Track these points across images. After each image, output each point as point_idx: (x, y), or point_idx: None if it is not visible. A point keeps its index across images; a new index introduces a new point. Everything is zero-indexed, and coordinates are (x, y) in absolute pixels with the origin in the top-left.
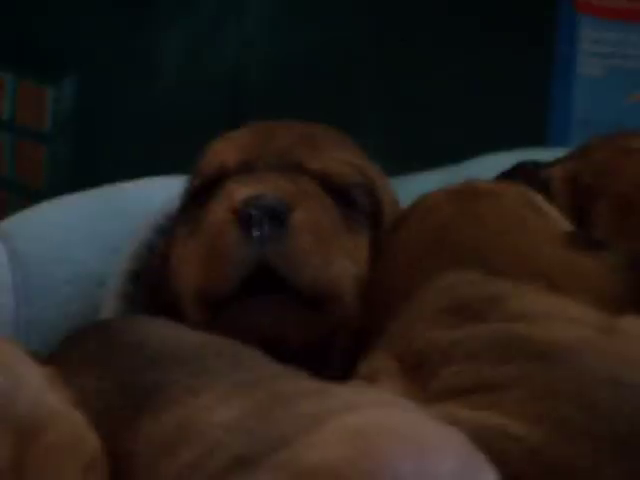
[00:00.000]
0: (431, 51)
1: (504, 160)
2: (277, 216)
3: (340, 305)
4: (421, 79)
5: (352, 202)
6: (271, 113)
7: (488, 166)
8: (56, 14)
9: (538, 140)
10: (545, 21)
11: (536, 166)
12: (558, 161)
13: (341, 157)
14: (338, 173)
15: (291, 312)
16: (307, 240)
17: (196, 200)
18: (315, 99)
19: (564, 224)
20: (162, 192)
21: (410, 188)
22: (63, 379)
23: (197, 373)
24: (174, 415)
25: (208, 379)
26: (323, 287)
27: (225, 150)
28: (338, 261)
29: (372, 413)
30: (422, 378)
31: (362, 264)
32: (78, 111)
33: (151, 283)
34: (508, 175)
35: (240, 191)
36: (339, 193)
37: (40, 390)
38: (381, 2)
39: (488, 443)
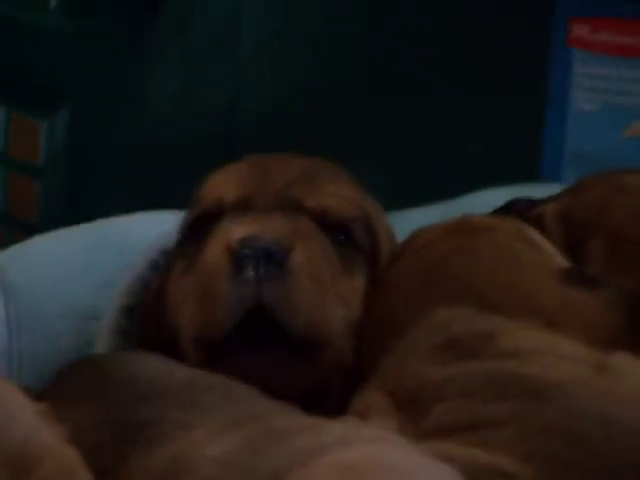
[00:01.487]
0: (427, 86)
1: (498, 196)
2: (273, 258)
3: (331, 350)
4: (417, 114)
5: (350, 239)
6: (266, 143)
7: (482, 202)
8: (48, 47)
9: (532, 174)
10: (538, 56)
11: (529, 203)
12: (551, 198)
13: (338, 192)
14: (336, 209)
15: (285, 362)
16: (302, 283)
17: (193, 234)
18: (310, 129)
19: (559, 259)
20: (156, 227)
21: (404, 224)
22: (56, 414)
23: (189, 408)
24: (167, 450)
25: (200, 414)
26: (314, 332)
27: (223, 184)
28: (330, 305)
29: (364, 449)
30: (415, 415)
31: (356, 306)
32: (71, 144)
33: (145, 319)
34: (502, 212)
35: (236, 231)
36: (337, 230)
37: (33, 426)
38: (376, 33)
39: None
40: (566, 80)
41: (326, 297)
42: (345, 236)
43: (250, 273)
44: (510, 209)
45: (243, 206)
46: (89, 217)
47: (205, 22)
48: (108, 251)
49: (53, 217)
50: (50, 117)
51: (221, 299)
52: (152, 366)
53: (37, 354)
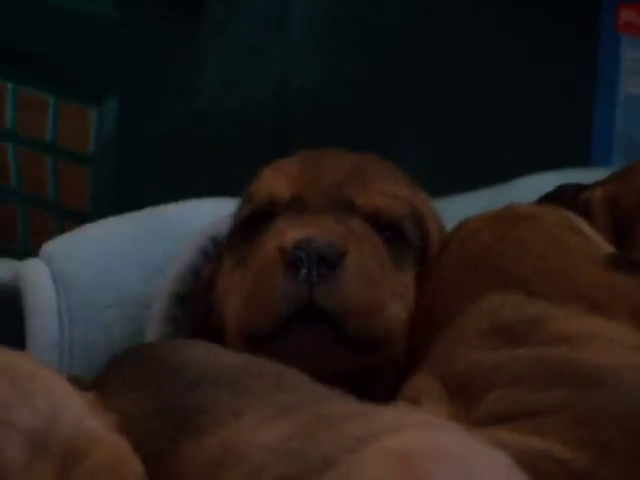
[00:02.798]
0: (476, 72)
1: (547, 180)
2: (326, 260)
3: (391, 349)
4: (466, 101)
5: (402, 236)
6: (315, 129)
7: (531, 187)
8: (97, 35)
9: (582, 159)
10: (587, 41)
11: (577, 189)
12: (599, 183)
13: (390, 190)
14: (387, 208)
15: (337, 348)
16: (357, 286)
17: (245, 230)
18: (358, 114)
19: (605, 246)
20: (206, 214)
21: (454, 210)
22: (105, 403)
23: (240, 395)
24: (218, 437)
25: (251, 400)
26: (375, 334)
27: (276, 181)
28: (389, 307)
29: (416, 435)
30: (466, 401)
31: (409, 302)
32: (120, 132)
33: (196, 307)
34: (550, 197)
35: (291, 232)
36: (388, 228)
37: (81, 415)
38: (424, 17)
39: (534, 466)
40: (615, 65)
41: (380, 298)
42: (396, 234)
43: (304, 274)
44: (558, 195)
45: (296, 205)
46: (139, 205)
47: (253, 8)
48: (159, 239)
49: (103, 206)
50: (99, 105)
51: (273, 298)
52: (202, 353)
53: (89, 344)
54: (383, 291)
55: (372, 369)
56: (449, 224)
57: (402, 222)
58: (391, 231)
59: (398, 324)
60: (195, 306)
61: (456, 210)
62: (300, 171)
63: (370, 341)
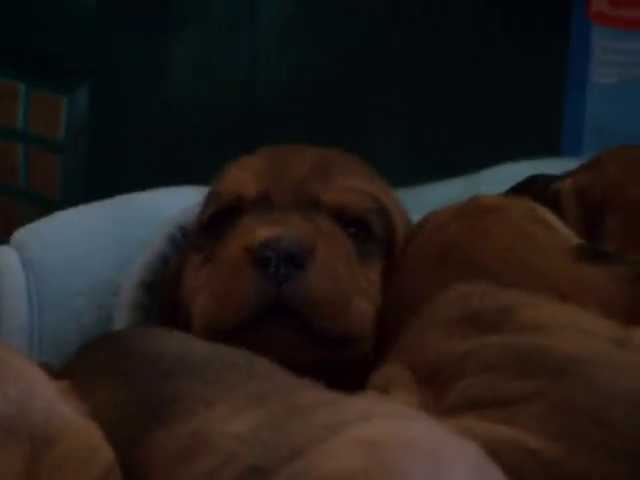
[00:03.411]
0: (448, 61)
1: (519, 170)
2: (294, 259)
3: (359, 345)
4: (436, 88)
5: (367, 231)
6: (284, 116)
7: (503, 176)
8: (68, 22)
9: (552, 148)
10: (558, 31)
11: (548, 179)
12: (569, 174)
13: (354, 185)
14: (352, 203)
15: (305, 344)
16: (324, 284)
17: (211, 227)
18: (328, 102)
19: (572, 237)
20: (176, 202)
21: (426, 199)
22: (77, 391)
23: (212, 384)
24: (189, 425)
25: (223, 390)
26: (342, 331)
27: (242, 179)
28: (356, 304)
29: (386, 424)
30: (436, 389)
31: (375, 297)
32: (92, 119)
33: (163, 297)
34: (520, 188)
35: (258, 232)
36: (354, 223)
37: (52, 401)
38: (397, 14)
39: (504, 456)
40: (585, 54)
41: (347, 295)
42: (362, 229)
43: (271, 273)
44: (528, 185)
45: (262, 202)
46: (110, 193)
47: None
48: (129, 227)
49: (74, 193)
50: (70, 93)
51: (241, 296)
52: (175, 342)
53: (58, 331)
54: (350, 288)
55: (341, 365)
56: (421, 213)
57: (367, 217)
58: (356, 226)
59: (365, 320)
60: (162, 296)
61: (430, 198)
62: (265, 168)
63: (338, 338)
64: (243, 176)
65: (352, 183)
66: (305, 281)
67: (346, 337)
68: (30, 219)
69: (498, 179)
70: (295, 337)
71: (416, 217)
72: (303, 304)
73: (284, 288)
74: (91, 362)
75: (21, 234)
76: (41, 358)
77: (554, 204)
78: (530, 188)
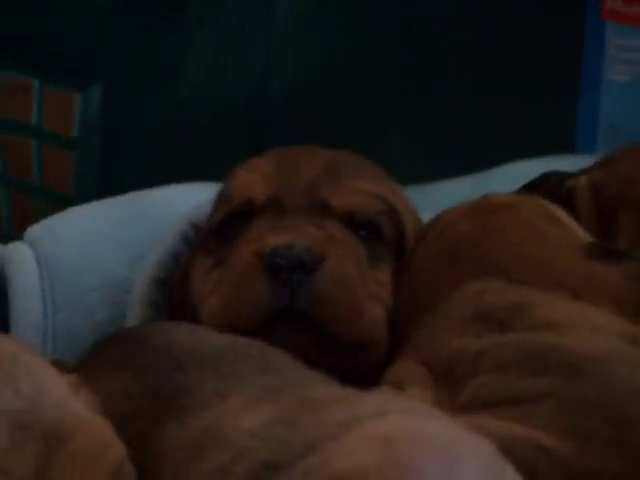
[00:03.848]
0: (462, 59)
1: (531, 168)
2: (306, 266)
3: (373, 350)
4: (451, 86)
5: (377, 233)
6: (298, 115)
7: (516, 173)
8: (83, 20)
9: (566, 146)
10: (572, 29)
11: (561, 177)
12: (583, 171)
13: (363, 188)
14: (362, 207)
15: (318, 350)
16: (336, 291)
17: (222, 231)
18: (342, 101)
19: (583, 235)
20: (189, 198)
21: (437, 197)
22: (89, 385)
23: (225, 376)
24: (202, 419)
25: (236, 382)
26: (356, 337)
27: (251, 182)
28: (368, 310)
29: (400, 420)
30: (450, 387)
31: (389, 300)
32: (105, 117)
33: (171, 295)
34: (533, 185)
35: (270, 238)
36: (365, 226)
37: (64, 397)
38: (410, 14)
39: (517, 454)
40: (600, 52)
41: (359, 302)
42: (372, 231)
43: (283, 280)
44: (541, 183)
45: (273, 206)
46: (123, 189)
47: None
48: (142, 223)
49: (87, 190)
50: (84, 90)
51: (252, 302)
52: (187, 335)
53: (72, 327)
54: (362, 294)
55: (355, 370)
56: (432, 212)
57: (377, 219)
58: (367, 229)
59: (378, 325)
60: (170, 294)
61: (440, 197)
62: (275, 171)
63: (351, 343)
64: (253, 179)
65: (361, 185)
66: (317, 287)
67: (359, 342)
68: (44, 215)
69: (509, 177)
70: (308, 342)
71: (426, 215)
72: (316, 310)
73: (296, 294)
74: (103, 358)
75: (34, 230)
76: (54, 355)
77: (567, 202)
78: (543, 186)
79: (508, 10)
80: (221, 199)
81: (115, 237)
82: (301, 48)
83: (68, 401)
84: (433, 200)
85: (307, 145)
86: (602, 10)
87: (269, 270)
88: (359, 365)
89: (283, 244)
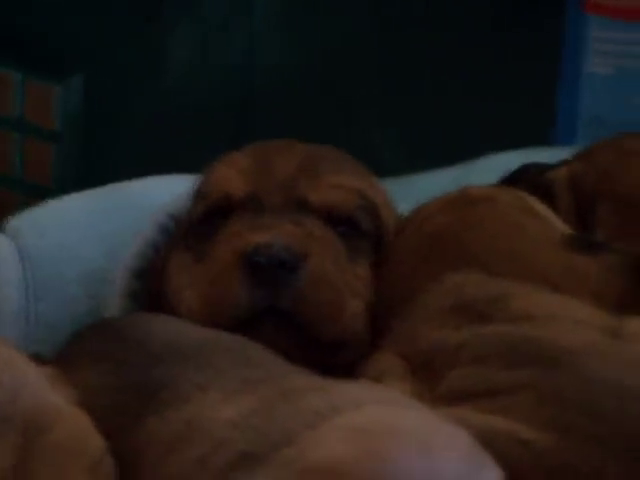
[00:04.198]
0: (439, 51)
1: (511, 159)
2: (286, 265)
3: (355, 346)
4: (430, 77)
5: (356, 228)
6: (280, 109)
7: (495, 165)
8: (62, 11)
9: (546, 139)
10: (552, 20)
11: (540, 169)
12: (562, 163)
13: (342, 183)
14: (340, 202)
15: (300, 348)
16: (317, 289)
17: (200, 227)
18: (323, 95)
19: (562, 227)
20: (169, 190)
21: (416, 188)
22: (67, 378)
23: (204, 369)
24: (181, 412)
25: (215, 376)
26: (337, 335)
27: (229, 178)
28: (349, 306)
29: (378, 411)
30: (429, 379)
31: (369, 295)
32: (86, 109)
33: (152, 283)
34: (512, 177)
35: (250, 237)
36: (343, 222)
37: (43, 389)
38: (391, 10)
39: (495, 446)
40: (580, 45)
41: (339, 299)
42: (350, 226)
43: (264, 279)
44: (521, 175)
45: (251, 203)
46: (104, 181)
47: None
48: (121, 215)
49: (68, 182)
50: (65, 82)
51: (232, 301)
52: (165, 327)
53: (52, 318)
54: (342, 291)
55: (336, 366)
56: (410, 203)
57: (355, 214)
58: (345, 224)
59: (359, 322)
60: (150, 285)
61: (419, 189)
62: (253, 166)
63: (333, 341)
64: (230, 175)
65: (339, 180)
66: (298, 286)
67: (341, 340)
68: (25, 208)
69: (490, 169)
70: (289, 340)
71: (405, 207)
72: (297, 309)
73: (277, 294)
74: (82, 350)
75: (15, 222)
76: (35, 346)
77: (547, 193)
78: (522, 178)
79: (486, 6)
80: (199, 194)
81: (95, 229)
82: (282, 42)
83: (47, 393)
84: (411, 192)
85: (285, 140)
86: (582, 2)
87: (249, 269)
88: (340, 361)
89: (263, 243)
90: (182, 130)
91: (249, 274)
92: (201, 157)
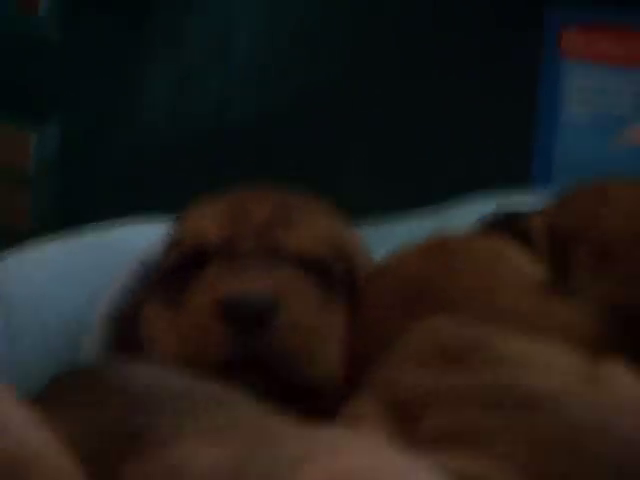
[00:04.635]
0: (418, 95)
1: (488, 203)
2: (260, 315)
3: (329, 391)
4: (407, 123)
5: (329, 276)
6: (253, 154)
7: (471, 210)
8: (36, 56)
9: (523, 184)
10: (529, 66)
11: (516, 215)
12: (538, 209)
13: (314, 232)
14: (313, 250)
15: (277, 394)
16: (292, 340)
17: (174, 275)
18: (298, 140)
19: (539, 273)
20: (147, 235)
21: (396, 233)
22: (48, 423)
23: (184, 415)
24: (162, 458)
25: (195, 421)
26: (314, 382)
27: (203, 226)
28: (325, 353)
29: (354, 457)
30: (406, 424)
31: (342, 341)
32: (62, 153)
33: (126, 331)
34: (489, 223)
35: (223, 287)
36: (316, 269)
37: (25, 430)
38: (370, 45)
39: None
40: (556, 91)
41: (314, 347)
42: (323, 273)
43: (238, 329)
44: (498, 221)
45: (225, 251)
46: (81, 225)
47: (195, 35)
48: (98, 262)
49: (44, 227)
50: (40, 128)
51: (208, 352)
52: (145, 373)
53: (30, 364)
54: (317, 339)
55: (312, 409)
56: (391, 248)
57: (328, 262)
58: (318, 271)
59: (333, 368)
60: (123, 331)
61: (398, 235)
62: (226, 214)
63: (309, 388)
64: (204, 223)
65: (312, 229)
66: (272, 334)
67: (316, 385)
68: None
69: (464, 213)
70: (265, 385)
71: (383, 253)
72: (272, 359)
73: (252, 345)
74: (60, 396)
75: None
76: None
77: (525, 239)
78: (499, 223)
79: (463, 49)
80: (173, 241)
81: (71, 275)
82: (257, 88)
83: (29, 435)
84: (389, 238)
85: (259, 186)
86: (560, 47)
87: (224, 320)
88: (319, 405)
89: (237, 295)
90: (159, 171)
91: (225, 324)
92: (180, 197)
